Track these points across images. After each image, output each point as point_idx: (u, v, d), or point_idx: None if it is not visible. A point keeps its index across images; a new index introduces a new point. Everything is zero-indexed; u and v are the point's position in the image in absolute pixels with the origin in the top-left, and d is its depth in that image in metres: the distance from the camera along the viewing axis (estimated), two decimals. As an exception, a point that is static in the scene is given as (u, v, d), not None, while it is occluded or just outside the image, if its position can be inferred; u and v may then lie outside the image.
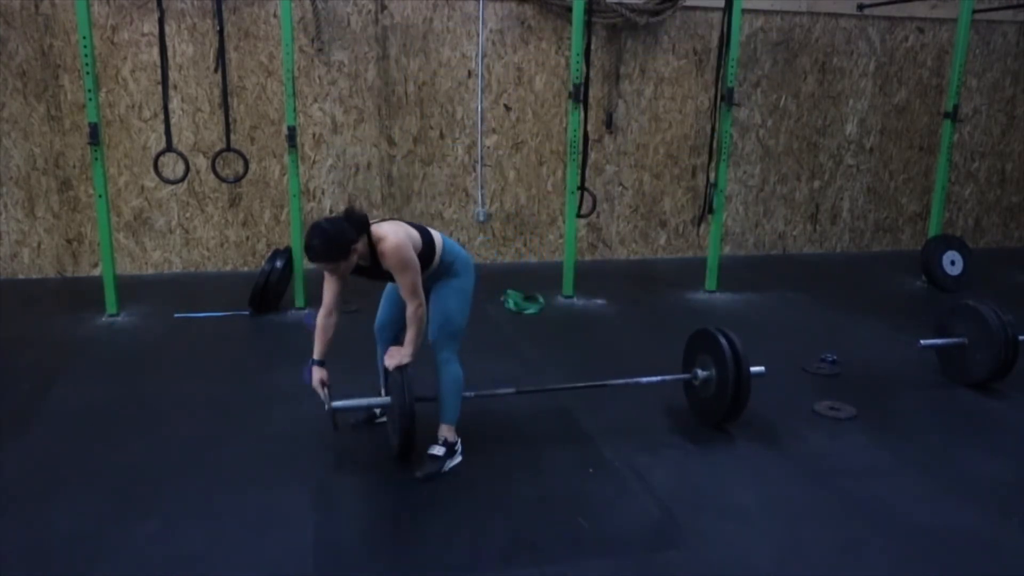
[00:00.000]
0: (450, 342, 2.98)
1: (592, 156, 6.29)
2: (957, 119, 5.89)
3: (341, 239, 2.72)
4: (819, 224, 7.21)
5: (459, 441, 3.06)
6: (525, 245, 6.57)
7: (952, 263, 5.98)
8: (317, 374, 2.96)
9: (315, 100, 5.89)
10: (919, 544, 2.62)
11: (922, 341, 4.00)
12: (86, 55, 4.42)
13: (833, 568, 2.49)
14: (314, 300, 5.12)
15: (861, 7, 6.67)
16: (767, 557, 2.54)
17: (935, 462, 3.19)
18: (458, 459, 3.05)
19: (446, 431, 3.03)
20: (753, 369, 3.34)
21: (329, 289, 2.92)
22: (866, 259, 7.12)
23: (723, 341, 3.29)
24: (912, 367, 4.21)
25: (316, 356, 2.97)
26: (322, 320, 2.95)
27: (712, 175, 5.59)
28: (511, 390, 3.37)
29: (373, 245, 2.79)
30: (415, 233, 2.89)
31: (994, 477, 3.08)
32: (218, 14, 5.19)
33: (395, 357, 2.88)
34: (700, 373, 3.40)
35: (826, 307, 5.45)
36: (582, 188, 5.40)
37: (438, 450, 3.01)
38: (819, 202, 7.15)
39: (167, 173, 5.32)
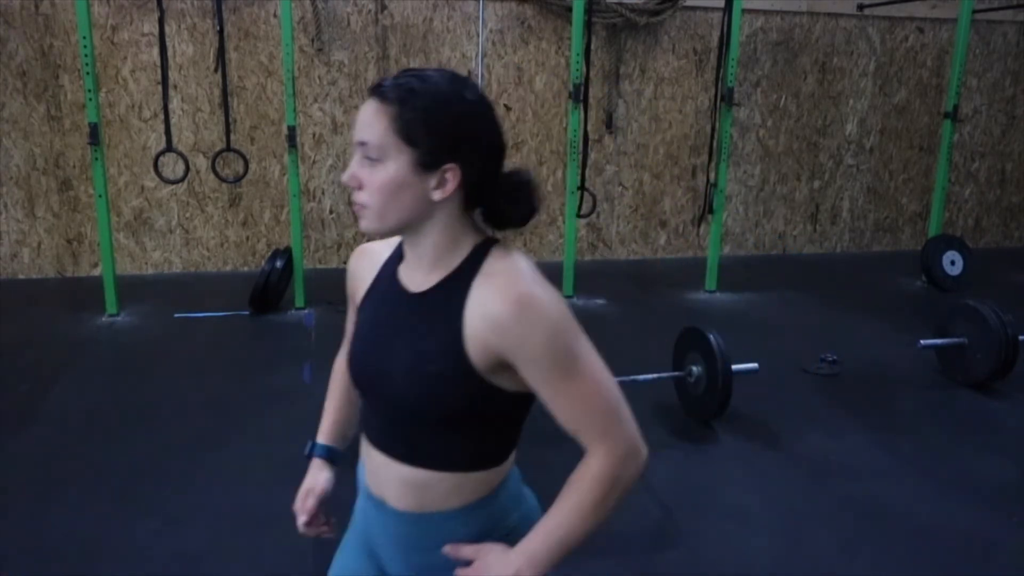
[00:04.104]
0: None
1: (592, 156, 6.28)
2: (957, 119, 5.89)
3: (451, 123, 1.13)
4: (819, 224, 7.21)
5: None
6: (525, 245, 6.57)
7: (952, 263, 5.98)
8: (314, 477, 1.49)
9: (315, 100, 5.89)
10: (918, 544, 2.62)
11: (922, 341, 4.00)
12: (86, 55, 4.42)
13: (833, 567, 2.49)
14: (314, 300, 5.15)
15: (861, 7, 6.67)
16: (767, 557, 2.54)
17: (935, 462, 3.19)
18: None
19: None
20: (746, 366, 3.36)
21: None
22: (866, 259, 7.11)
23: (711, 338, 3.31)
24: (912, 367, 4.21)
25: (322, 439, 1.48)
26: (339, 368, 1.49)
27: (712, 175, 5.59)
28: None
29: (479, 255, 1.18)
30: None
31: (994, 477, 3.08)
32: (218, 14, 5.19)
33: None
34: (694, 370, 3.42)
35: (826, 307, 5.45)
36: (582, 188, 5.40)
37: None
38: (819, 202, 7.14)
39: (167, 173, 5.32)
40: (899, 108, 7.07)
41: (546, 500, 2.98)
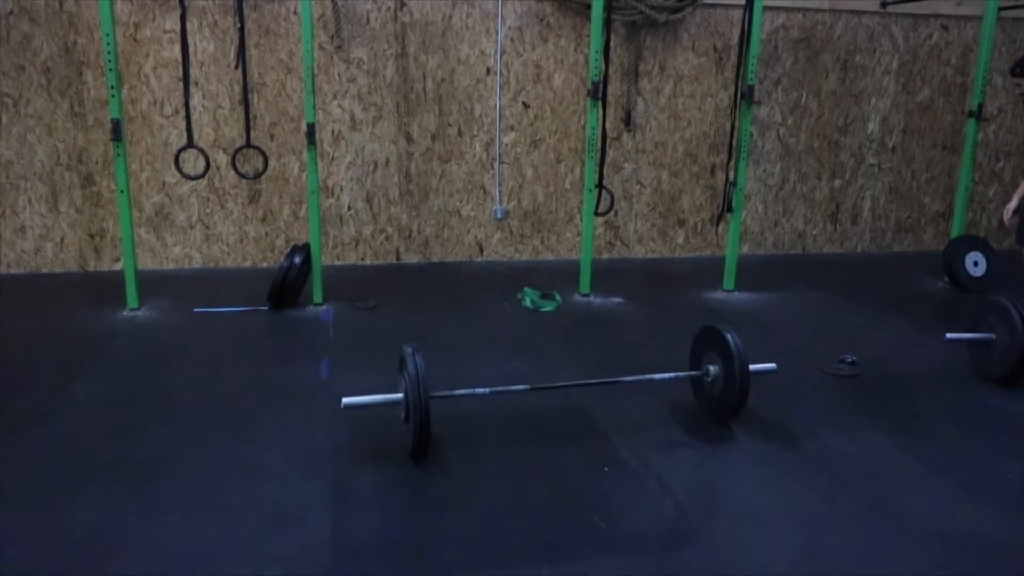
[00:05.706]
0: None
1: (610, 154, 6.26)
2: (982, 118, 5.81)
3: None
4: (840, 223, 7.14)
5: None
6: (542, 243, 6.57)
7: (975, 264, 5.91)
8: None
9: (334, 97, 5.91)
10: (938, 548, 2.59)
11: (948, 335, 3.98)
12: (109, 52, 4.46)
13: (850, 570, 2.47)
14: (332, 296, 5.18)
15: (884, 4, 6.60)
16: (783, 558, 2.52)
17: (955, 464, 3.15)
18: None
19: None
20: (764, 366, 3.33)
21: None
22: (887, 259, 7.04)
23: (728, 337, 3.29)
24: (933, 369, 4.16)
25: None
26: None
27: (731, 173, 5.56)
28: (525, 387, 3.37)
29: None
30: None
31: (1015, 480, 3.04)
32: (239, 11, 5.23)
33: None
34: (712, 370, 3.40)
35: (846, 307, 5.40)
36: (600, 186, 5.39)
37: None
38: (840, 201, 7.08)
39: (188, 169, 5.37)
40: (922, 106, 6.98)
41: (559, 496, 2.98)
